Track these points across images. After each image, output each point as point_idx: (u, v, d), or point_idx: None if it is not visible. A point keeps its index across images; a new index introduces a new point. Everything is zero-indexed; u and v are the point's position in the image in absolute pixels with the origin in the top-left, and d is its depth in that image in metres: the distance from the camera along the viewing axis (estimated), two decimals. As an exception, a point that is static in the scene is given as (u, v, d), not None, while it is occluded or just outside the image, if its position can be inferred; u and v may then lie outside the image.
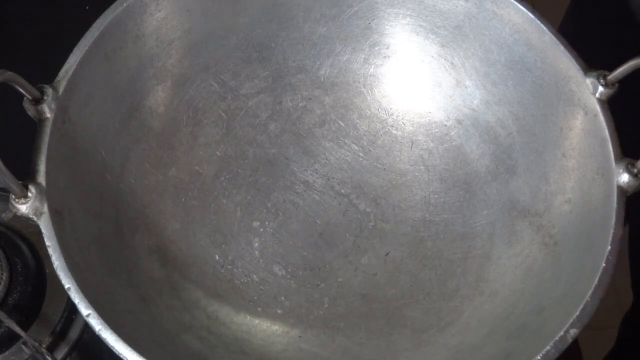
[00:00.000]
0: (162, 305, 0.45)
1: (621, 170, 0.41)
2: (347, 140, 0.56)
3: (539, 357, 0.37)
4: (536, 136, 0.49)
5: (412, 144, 0.55)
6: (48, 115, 0.41)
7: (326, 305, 0.49)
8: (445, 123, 0.55)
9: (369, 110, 0.56)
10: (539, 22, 0.46)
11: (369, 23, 0.54)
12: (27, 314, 0.44)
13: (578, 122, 0.45)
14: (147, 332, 0.42)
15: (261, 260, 0.51)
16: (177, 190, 0.52)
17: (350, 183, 0.54)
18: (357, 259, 0.51)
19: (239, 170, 0.54)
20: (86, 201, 0.44)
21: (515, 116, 0.51)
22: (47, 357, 0.40)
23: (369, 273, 0.51)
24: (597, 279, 0.38)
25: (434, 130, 0.55)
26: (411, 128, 0.56)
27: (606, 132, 0.43)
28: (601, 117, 0.43)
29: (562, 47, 0.45)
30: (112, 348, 0.36)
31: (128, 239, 0.47)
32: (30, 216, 0.38)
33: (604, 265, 0.38)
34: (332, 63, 0.56)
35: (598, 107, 0.43)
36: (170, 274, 0.48)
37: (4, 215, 0.39)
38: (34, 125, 0.41)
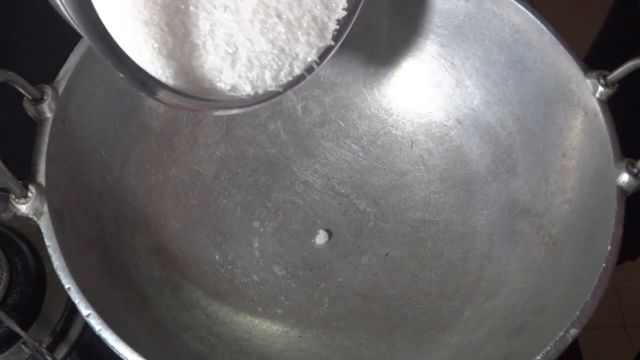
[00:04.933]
0: (162, 305, 0.45)
1: (621, 170, 0.41)
2: (347, 140, 0.56)
3: (539, 357, 0.37)
4: (536, 136, 0.49)
5: (412, 144, 0.55)
6: (48, 115, 0.41)
7: (326, 305, 0.49)
8: (445, 123, 0.55)
9: (369, 110, 0.56)
10: (539, 22, 0.46)
11: (369, 23, 0.54)
12: (27, 314, 0.44)
13: (578, 122, 0.46)
14: (147, 332, 0.42)
15: (261, 260, 0.51)
16: (177, 190, 0.52)
17: (350, 183, 0.54)
18: (357, 259, 0.51)
19: (239, 170, 0.54)
20: (86, 201, 0.44)
21: (515, 116, 0.51)
22: (47, 357, 0.40)
23: (369, 273, 0.51)
24: (597, 279, 0.38)
25: (434, 130, 0.55)
26: (411, 128, 0.56)
27: (606, 132, 0.43)
28: (601, 117, 0.43)
29: (562, 47, 0.45)
30: (112, 348, 0.36)
31: (128, 239, 0.47)
32: (30, 216, 0.38)
33: (604, 265, 0.38)
34: (332, 63, 0.56)
35: (598, 107, 0.43)
36: (170, 274, 0.48)
37: (4, 215, 0.39)
38: (34, 125, 0.41)
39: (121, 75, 0.30)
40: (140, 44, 0.32)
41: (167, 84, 0.33)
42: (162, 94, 0.32)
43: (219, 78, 0.34)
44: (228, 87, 0.34)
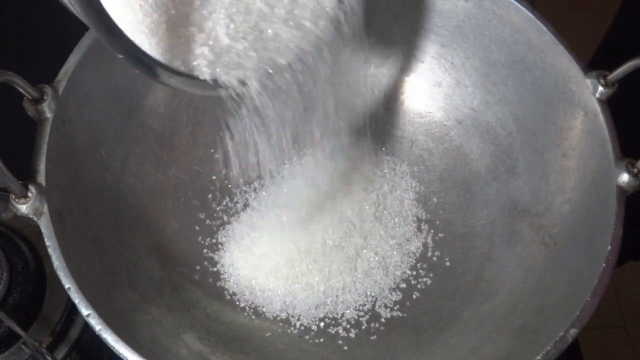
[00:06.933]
0: (162, 305, 0.45)
1: (621, 170, 0.41)
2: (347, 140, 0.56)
3: (539, 357, 0.37)
4: (536, 136, 0.49)
5: (412, 144, 0.55)
6: (48, 115, 0.41)
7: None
8: (445, 123, 0.55)
9: (369, 110, 0.56)
10: (539, 22, 0.46)
11: (369, 23, 0.54)
12: (27, 314, 0.44)
13: (578, 122, 0.46)
14: (147, 332, 0.42)
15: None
16: (177, 190, 0.52)
17: (350, 183, 0.54)
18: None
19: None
20: (86, 201, 0.44)
21: (515, 116, 0.51)
22: (47, 357, 0.40)
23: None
24: (597, 279, 0.38)
25: (434, 130, 0.55)
26: (411, 128, 0.56)
27: (606, 132, 0.43)
28: (601, 117, 0.43)
29: (562, 47, 0.45)
30: (112, 348, 0.36)
31: (128, 239, 0.47)
32: (30, 216, 0.38)
33: (604, 265, 0.38)
34: (332, 64, 0.56)
35: (598, 107, 0.44)
36: (170, 274, 0.48)
37: (4, 215, 0.39)
38: (34, 125, 0.41)
39: (120, 55, 0.30)
40: (136, 22, 0.31)
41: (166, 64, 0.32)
42: (163, 75, 0.32)
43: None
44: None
